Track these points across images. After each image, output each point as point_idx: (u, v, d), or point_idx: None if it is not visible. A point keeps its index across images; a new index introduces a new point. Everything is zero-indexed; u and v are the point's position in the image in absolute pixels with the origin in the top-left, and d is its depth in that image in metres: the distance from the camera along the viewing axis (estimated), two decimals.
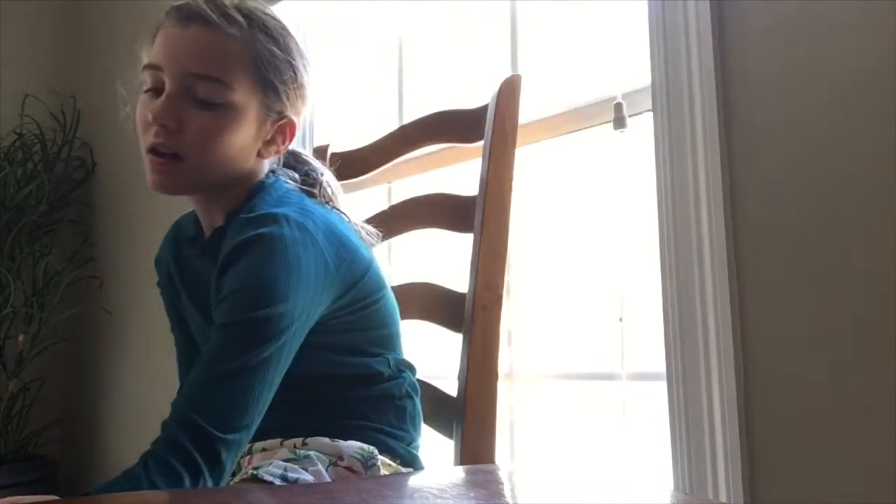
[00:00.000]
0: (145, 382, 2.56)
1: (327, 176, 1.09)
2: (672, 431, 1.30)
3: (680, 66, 1.33)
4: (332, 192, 1.07)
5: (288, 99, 0.98)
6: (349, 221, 1.04)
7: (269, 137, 0.98)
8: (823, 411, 1.16)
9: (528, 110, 1.46)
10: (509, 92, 1.11)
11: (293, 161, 1.08)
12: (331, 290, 0.92)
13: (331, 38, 2.19)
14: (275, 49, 0.96)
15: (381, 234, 1.12)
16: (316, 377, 0.97)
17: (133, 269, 2.68)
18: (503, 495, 0.75)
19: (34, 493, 0.89)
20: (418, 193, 1.24)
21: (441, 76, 1.97)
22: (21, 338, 2.64)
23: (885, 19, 1.14)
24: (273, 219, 0.88)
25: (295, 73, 0.98)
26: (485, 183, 1.09)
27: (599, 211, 1.64)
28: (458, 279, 1.13)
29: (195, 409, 0.81)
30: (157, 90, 0.94)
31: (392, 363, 1.02)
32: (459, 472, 0.93)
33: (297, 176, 1.05)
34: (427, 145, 1.31)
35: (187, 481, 0.78)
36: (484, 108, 1.15)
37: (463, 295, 1.10)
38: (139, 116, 0.96)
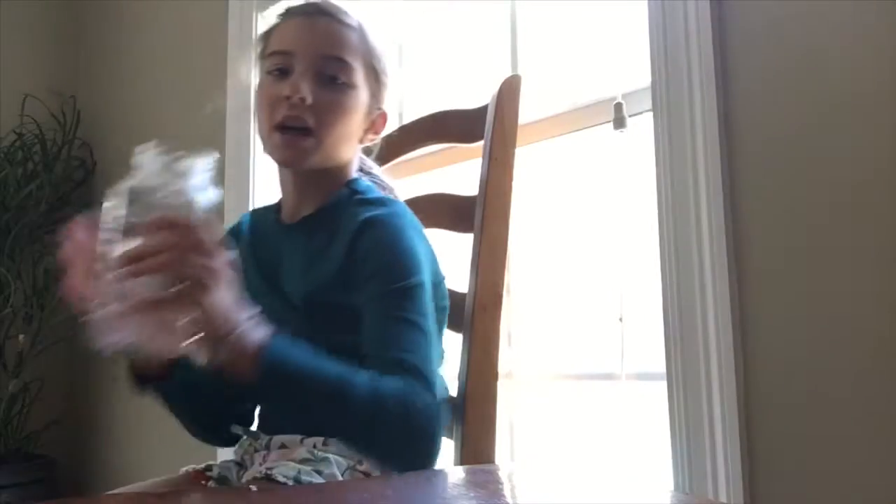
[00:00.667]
0: None
1: (393, 185, 1.17)
2: (672, 431, 1.30)
3: (680, 66, 1.33)
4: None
5: (383, 92, 1.08)
6: None
7: (369, 126, 1.08)
8: (823, 411, 1.16)
9: (528, 110, 1.46)
10: (509, 92, 1.11)
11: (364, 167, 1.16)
12: (433, 275, 1.01)
13: None
14: (379, 47, 1.07)
15: None
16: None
17: None
18: (503, 495, 0.75)
19: (34, 494, 0.89)
20: (418, 193, 1.24)
21: (441, 76, 1.97)
22: (21, 338, 2.64)
23: (885, 19, 1.14)
24: (390, 202, 1.01)
25: (387, 73, 1.09)
26: (485, 183, 1.09)
27: (599, 211, 1.64)
28: (458, 279, 1.12)
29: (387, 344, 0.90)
30: (283, 72, 1.02)
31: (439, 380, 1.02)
32: (459, 472, 0.93)
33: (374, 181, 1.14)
34: (427, 145, 1.31)
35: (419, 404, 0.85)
36: (484, 109, 1.15)
37: (463, 295, 1.10)
38: (266, 96, 1.02)
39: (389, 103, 1.11)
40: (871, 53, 1.15)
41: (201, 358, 0.77)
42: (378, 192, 1.06)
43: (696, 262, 1.29)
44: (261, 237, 1.12)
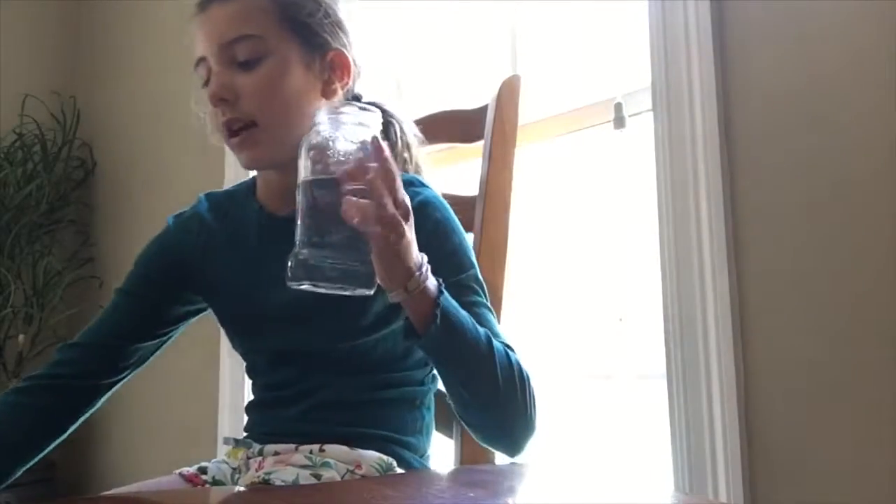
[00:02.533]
0: (144, 382, 2.56)
1: (410, 138, 1.08)
2: (672, 431, 1.30)
3: (680, 66, 1.33)
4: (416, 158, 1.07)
5: (324, 31, 0.98)
6: None
7: (326, 77, 0.98)
8: (823, 411, 1.16)
9: (528, 110, 1.46)
10: (509, 92, 1.11)
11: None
12: None
13: None
14: None
15: None
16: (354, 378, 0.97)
17: None
18: (503, 495, 0.75)
19: (33, 494, 0.88)
20: None
21: (441, 76, 1.97)
22: (21, 338, 2.64)
23: (885, 19, 1.14)
24: (417, 183, 0.97)
25: (321, 5, 0.98)
26: (485, 183, 1.09)
27: (599, 211, 1.64)
28: None
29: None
30: (208, 80, 0.95)
31: (427, 370, 1.02)
32: (459, 472, 0.93)
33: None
34: (427, 145, 1.31)
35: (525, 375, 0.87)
36: (484, 109, 1.15)
37: None
38: (208, 111, 0.97)
39: (348, 39, 1.00)
40: (870, 53, 1.15)
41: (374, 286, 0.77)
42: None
43: (696, 262, 1.29)
44: (238, 228, 1.02)
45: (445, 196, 1.21)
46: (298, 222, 0.75)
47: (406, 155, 1.05)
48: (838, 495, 1.14)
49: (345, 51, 0.99)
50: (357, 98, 1.04)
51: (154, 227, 1.12)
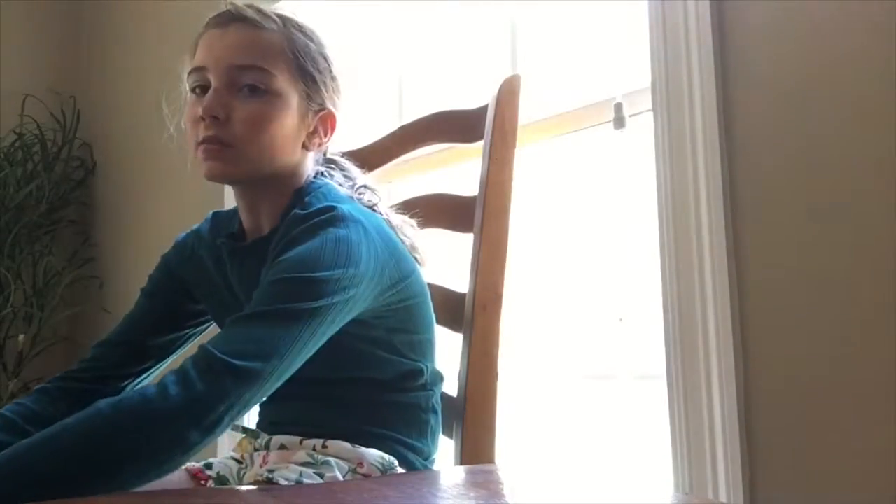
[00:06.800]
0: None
1: (366, 181, 1.11)
2: (672, 431, 1.30)
3: (680, 66, 1.33)
4: (375, 198, 1.08)
5: (326, 90, 1.02)
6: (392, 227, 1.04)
7: (312, 129, 1.01)
8: (823, 411, 1.16)
9: (529, 110, 1.46)
10: (509, 92, 1.11)
11: (333, 167, 1.10)
12: (381, 280, 0.93)
13: (330, 37, 2.18)
14: (310, 43, 1.01)
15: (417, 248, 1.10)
16: (350, 377, 0.97)
17: (133, 269, 2.68)
18: (503, 495, 0.75)
19: None
20: (418, 193, 1.24)
21: (441, 76, 1.97)
22: (21, 338, 2.64)
23: (885, 19, 1.14)
24: (330, 209, 0.91)
25: (329, 66, 1.03)
26: (485, 183, 1.09)
27: (599, 211, 1.64)
28: (458, 279, 1.12)
29: (213, 341, 0.81)
30: (203, 89, 0.98)
31: (428, 372, 1.02)
32: (459, 472, 0.93)
33: (342, 180, 1.07)
34: (427, 145, 1.31)
35: (173, 389, 0.75)
36: (484, 109, 1.15)
37: (463, 295, 1.10)
38: (188, 116, 1.00)
39: (340, 103, 1.05)
40: (871, 53, 1.15)
41: None
42: (325, 199, 0.97)
43: (695, 262, 1.29)
44: (220, 254, 1.06)
45: (446, 195, 1.21)
46: None
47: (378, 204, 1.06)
48: (838, 495, 1.14)
49: (336, 113, 1.03)
50: (334, 162, 1.10)
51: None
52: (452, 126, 1.23)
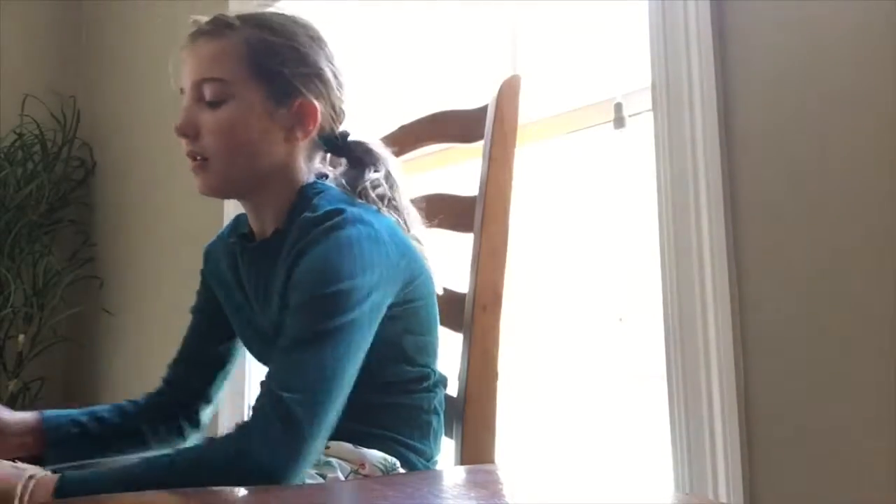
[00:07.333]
0: (145, 382, 2.56)
1: (385, 177, 1.07)
2: (672, 431, 1.30)
3: (680, 66, 1.33)
4: (386, 196, 1.05)
5: (298, 81, 1.00)
6: (402, 226, 1.04)
7: (289, 124, 1.00)
8: (823, 411, 1.16)
9: (528, 110, 1.46)
10: (509, 92, 1.11)
11: (362, 155, 1.07)
12: (395, 281, 0.95)
13: (330, 37, 2.18)
14: (269, 37, 0.99)
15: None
16: (358, 380, 0.96)
17: (133, 269, 2.68)
18: (503, 495, 0.75)
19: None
20: (418, 193, 1.24)
21: (441, 76, 1.97)
22: (21, 338, 2.64)
23: (885, 19, 1.14)
24: (338, 212, 0.92)
25: (302, 56, 1.00)
26: (485, 183, 1.09)
27: (599, 211, 1.64)
28: (458, 279, 1.12)
29: (270, 378, 0.85)
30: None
31: (434, 375, 1.02)
32: (459, 472, 0.93)
33: (345, 181, 1.06)
34: (427, 145, 1.31)
35: (260, 436, 0.80)
36: (484, 109, 1.15)
37: (463, 295, 1.10)
38: None
39: (334, 87, 1.03)
40: (871, 53, 1.15)
41: None
42: (332, 202, 0.97)
43: (696, 262, 1.29)
44: (234, 254, 1.09)
45: (446, 195, 1.21)
46: None
47: (393, 195, 1.05)
48: (838, 495, 1.14)
49: (316, 100, 1.01)
50: (344, 136, 1.07)
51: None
52: (452, 126, 1.23)
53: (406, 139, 1.27)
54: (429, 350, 1.02)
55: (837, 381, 1.15)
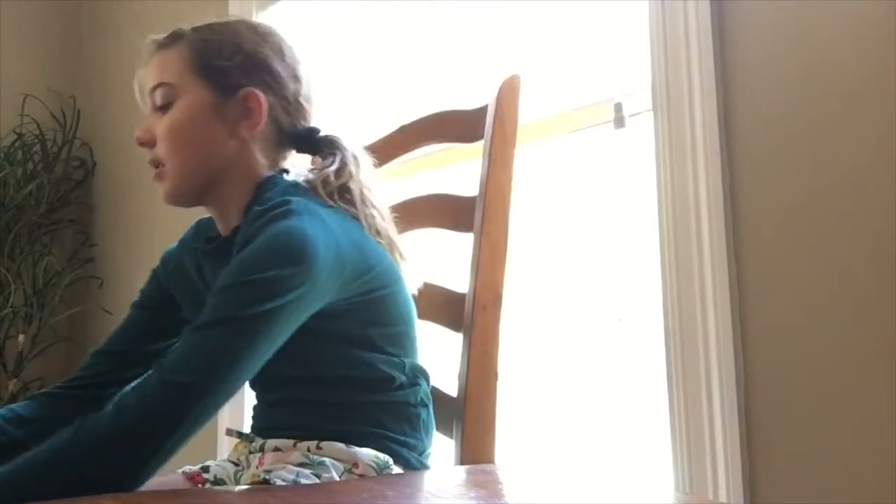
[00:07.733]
0: None
1: (340, 170, 1.05)
2: (672, 431, 1.30)
3: (680, 66, 1.33)
4: (341, 190, 1.03)
5: (242, 74, 1.01)
6: (357, 221, 1.01)
7: (237, 117, 1.01)
8: (823, 411, 1.16)
9: (528, 110, 1.46)
10: (509, 92, 1.11)
11: (325, 149, 1.06)
12: (343, 271, 0.93)
13: (330, 37, 2.19)
14: (209, 37, 1.02)
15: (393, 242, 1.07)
16: (333, 377, 0.96)
17: (133, 269, 2.67)
18: (503, 495, 0.76)
19: None
20: (418, 193, 1.24)
21: (441, 76, 1.97)
22: (21, 338, 2.64)
23: (885, 19, 1.14)
24: (284, 203, 0.91)
25: (243, 49, 1.02)
26: (485, 183, 1.09)
27: (599, 211, 1.64)
28: (458, 279, 1.12)
29: (168, 355, 0.85)
30: None
31: (407, 368, 1.00)
32: (459, 472, 0.93)
33: (311, 176, 1.04)
34: (427, 145, 1.31)
35: (127, 407, 0.81)
36: (484, 109, 1.15)
37: (463, 295, 1.10)
38: None
39: (280, 78, 1.02)
40: (871, 53, 1.15)
41: None
42: (281, 194, 0.96)
43: (696, 262, 1.29)
44: (199, 258, 1.09)
45: (446, 196, 1.21)
46: None
47: (350, 187, 1.03)
48: (838, 495, 1.14)
49: (262, 91, 1.01)
50: (313, 132, 1.06)
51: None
52: (452, 126, 1.23)
53: (406, 139, 1.27)
54: (402, 341, 1.00)
55: (837, 381, 1.15)
